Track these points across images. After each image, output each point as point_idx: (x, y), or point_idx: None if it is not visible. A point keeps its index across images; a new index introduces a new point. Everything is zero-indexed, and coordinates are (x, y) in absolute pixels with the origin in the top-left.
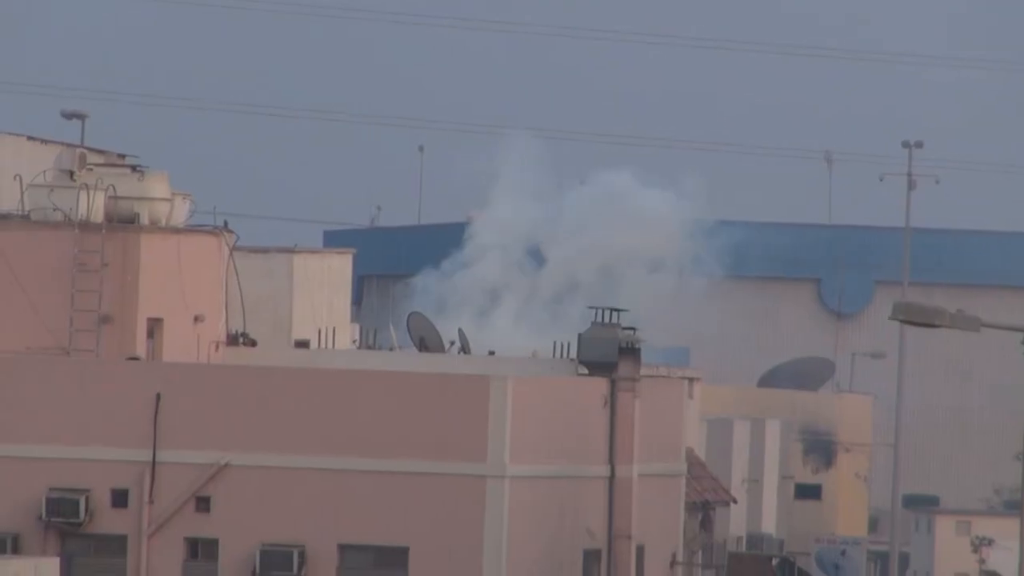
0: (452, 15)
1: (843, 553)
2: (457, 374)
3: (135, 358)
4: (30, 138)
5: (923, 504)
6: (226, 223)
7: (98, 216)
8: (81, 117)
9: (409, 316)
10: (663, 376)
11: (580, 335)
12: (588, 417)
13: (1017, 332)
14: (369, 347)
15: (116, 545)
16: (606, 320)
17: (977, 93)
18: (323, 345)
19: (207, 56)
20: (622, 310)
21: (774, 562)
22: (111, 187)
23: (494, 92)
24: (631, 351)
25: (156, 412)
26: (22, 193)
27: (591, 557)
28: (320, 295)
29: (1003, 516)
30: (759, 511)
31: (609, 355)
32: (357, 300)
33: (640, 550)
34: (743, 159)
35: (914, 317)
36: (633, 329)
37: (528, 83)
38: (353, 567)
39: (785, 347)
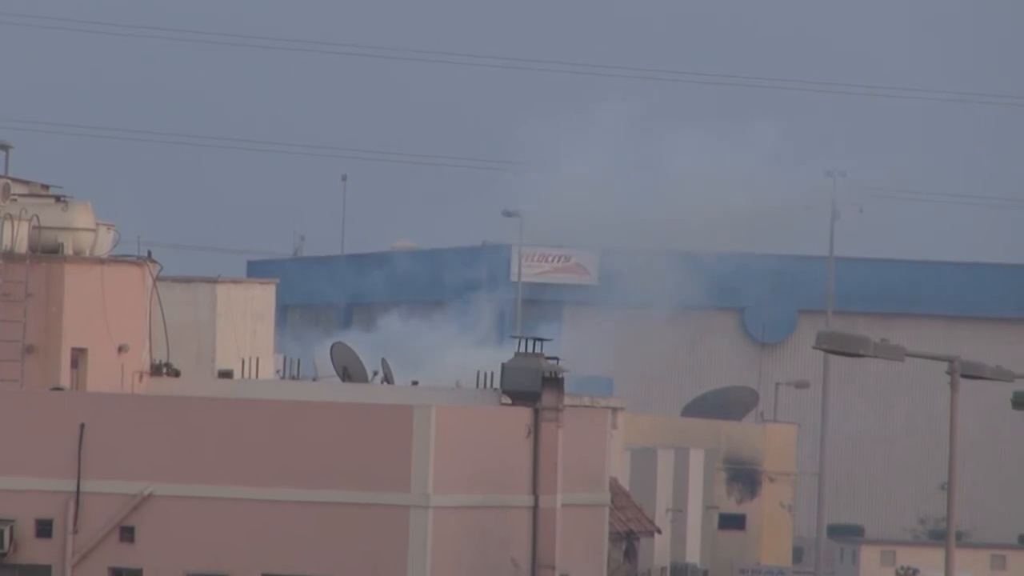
0: (374, 44)
1: None
2: (380, 404)
3: (59, 388)
4: None
5: (848, 534)
6: (150, 253)
7: (22, 246)
8: (5, 148)
9: (333, 346)
10: (586, 406)
11: (503, 365)
12: (512, 447)
13: (941, 361)
14: (293, 377)
15: (40, 575)
16: (529, 350)
17: (900, 122)
18: (247, 375)
19: (130, 87)
20: (545, 339)
21: None
22: (35, 217)
23: (417, 122)
24: (554, 381)
25: (80, 442)
26: None
27: None
28: (243, 325)
29: (928, 546)
30: (683, 541)
31: (532, 385)
32: (281, 329)
33: None
34: (668, 188)
35: (838, 346)
36: (556, 359)
37: (453, 115)
38: None
39: (709, 376)
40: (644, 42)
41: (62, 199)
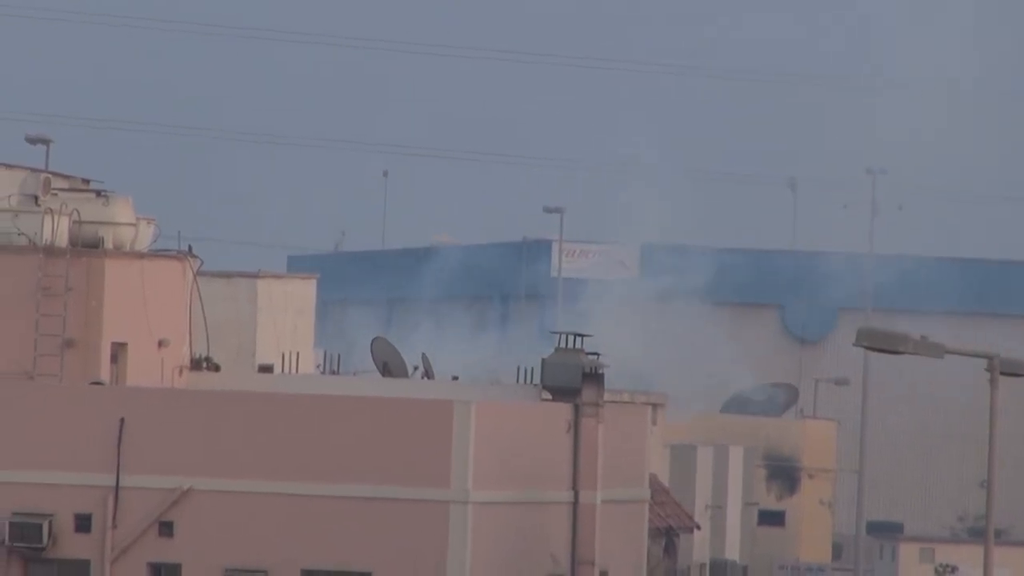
0: (414, 40)
1: None
2: (421, 399)
3: (99, 383)
4: None
5: (887, 531)
6: (190, 248)
7: (62, 241)
8: (45, 142)
9: (373, 340)
10: (627, 402)
11: (544, 360)
12: (552, 442)
13: (981, 358)
14: (333, 372)
15: (79, 570)
16: (570, 345)
17: (941, 120)
18: (286, 370)
19: (172, 81)
20: (586, 335)
21: None
22: (75, 212)
23: (458, 117)
24: (595, 376)
25: (120, 437)
26: None
27: None
28: (284, 320)
29: (967, 543)
30: (722, 537)
31: (573, 380)
32: (321, 324)
33: None
34: (707, 184)
35: (878, 343)
36: (597, 354)
37: (493, 110)
38: None
39: (748, 373)
40: (680, 35)
41: (103, 193)
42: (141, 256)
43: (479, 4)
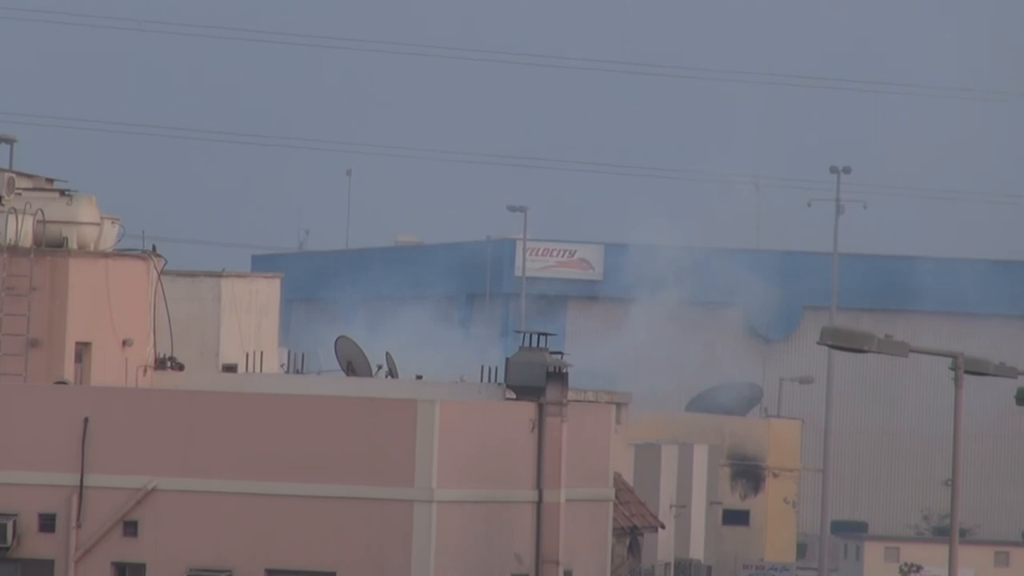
0: (378, 39)
1: None
2: (384, 398)
3: (63, 382)
4: None
5: (852, 530)
6: (154, 247)
7: (27, 240)
8: (9, 141)
9: (337, 340)
10: (591, 401)
11: (508, 359)
12: (516, 441)
13: (945, 357)
14: (297, 371)
15: (43, 570)
16: (534, 344)
17: (904, 118)
18: (251, 369)
19: (134, 81)
20: (550, 334)
21: None
22: (39, 211)
23: (422, 116)
24: (559, 375)
25: (84, 436)
26: None
27: None
28: (248, 319)
29: (932, 542)
30: (687, 536)
31: (537, 379)
32: (285, 324)
33: (567, 575)
34: (671, 183)
35: (842, 342)
36: (561, 353)
37: (457, 108)
38: None
39: (713, 372)
40: (647, 37)
41: (66, 193)
42: (105, 256)
43: (444, 3)
